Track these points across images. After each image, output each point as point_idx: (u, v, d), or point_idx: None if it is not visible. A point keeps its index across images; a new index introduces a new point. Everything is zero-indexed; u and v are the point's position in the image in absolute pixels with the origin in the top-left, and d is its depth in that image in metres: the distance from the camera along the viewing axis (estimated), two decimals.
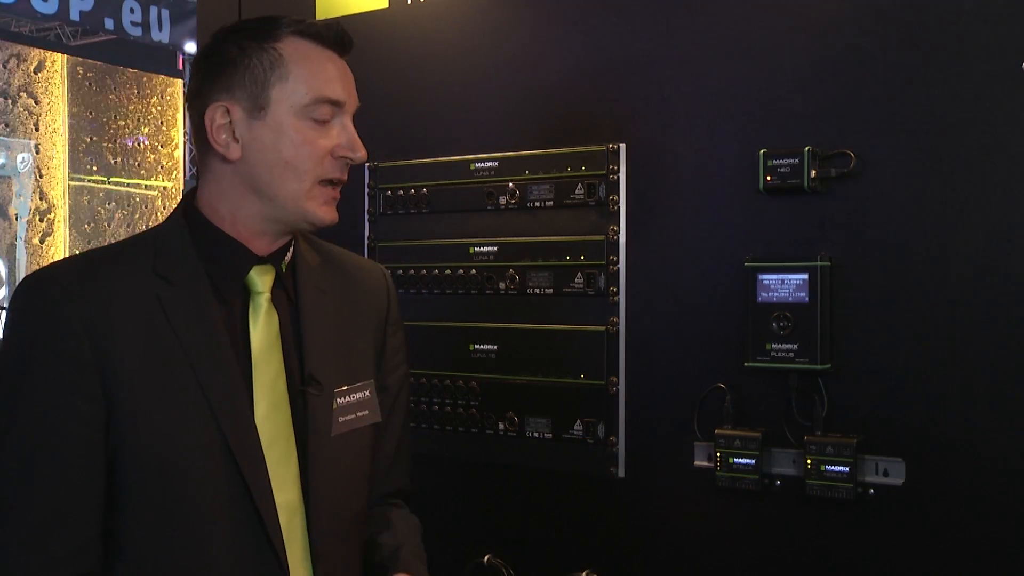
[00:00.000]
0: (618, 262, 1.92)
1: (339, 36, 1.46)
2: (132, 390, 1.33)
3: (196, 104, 1.44)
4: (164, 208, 12.10)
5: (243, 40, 1.42)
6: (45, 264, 1.48)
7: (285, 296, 1.48)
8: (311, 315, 1.48)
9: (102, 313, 1.34)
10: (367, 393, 1.52)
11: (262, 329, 1.43)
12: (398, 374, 1.63)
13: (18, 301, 1.37)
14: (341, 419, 1.47)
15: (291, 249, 1.50)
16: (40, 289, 1.36)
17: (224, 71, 1.41)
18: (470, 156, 2.09)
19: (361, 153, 1.44)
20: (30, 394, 1.32)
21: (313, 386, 1.44)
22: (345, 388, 1.49)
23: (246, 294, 1.45)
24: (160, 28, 11.11)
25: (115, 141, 11.67)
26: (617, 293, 1.92)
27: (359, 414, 1.50)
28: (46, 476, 1.31)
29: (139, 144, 11.97)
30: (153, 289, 1.38)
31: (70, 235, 10.95)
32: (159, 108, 12.23)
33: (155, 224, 1.41)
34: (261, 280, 1.45)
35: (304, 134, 1.41)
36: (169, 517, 1.34)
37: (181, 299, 1.39)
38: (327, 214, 1.44)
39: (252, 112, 1.40)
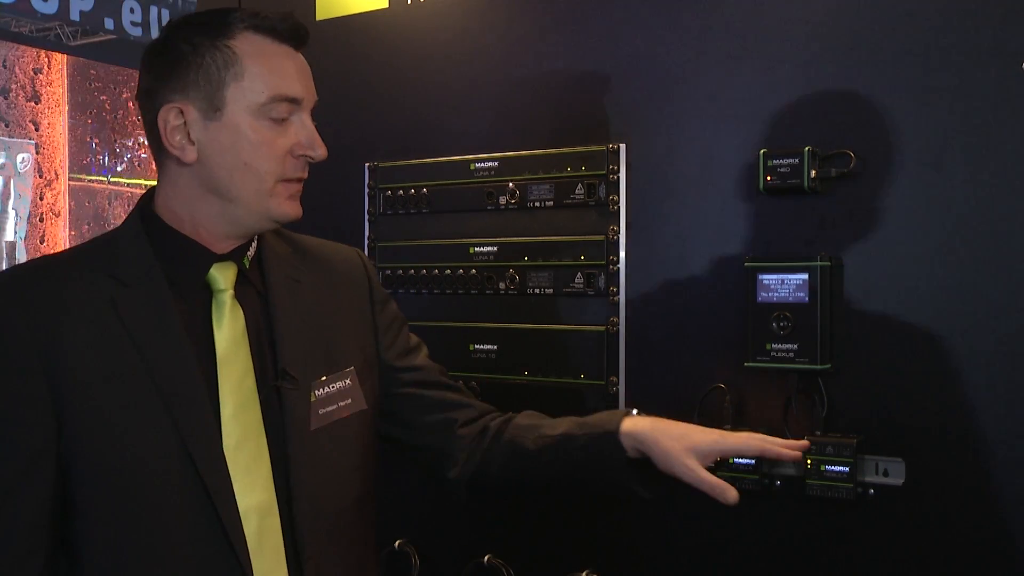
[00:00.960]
0: (618, 262, 1.92)
1: (294, 29, 1.41)
2: (84, 397, 1.30)
3: (147, 104, 1.39)
4: None
5: (195, 37, 1.37)
6: None
7: (253, 291, 1.45)
8: (283, 307, 1.45)
9: (50, 319, 1.31)
10: (348, 381, 1.48)
11: (226, 327, 1.39)
12: (399, 344, 1.62)
13: None
14: (321, 411, 1.44)
15: (253, 244, 1.47)
16: None
17: (176, 70, 1.36)
18: (470, 156, 2.09)
19: (321, 151, 1.41)
20: None
21: (287, 380, 1.41)
22: (324, 379, 1.46)
23: (208, 294, 1.41)
24: (160, 28, 11.11)
25: (115, 141, 11.67)
26: (617, 293, 1.92)
27: (341, 404, 1.47)
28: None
29: (139, 144, 11.97)
30: (107, 291, 1.34)
31: (70, 235, 10.95)
32: None
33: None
34: (223, 277, 1.41)
35: (262, 134, 1.37)
36: (128, 526, 1.30)
37: (136, 300, 1.35)
38: (291, 209, 1.42)
39: (207, 113, 1.36)
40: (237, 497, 1.33)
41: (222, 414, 1.35)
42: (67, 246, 11.06)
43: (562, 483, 1.59)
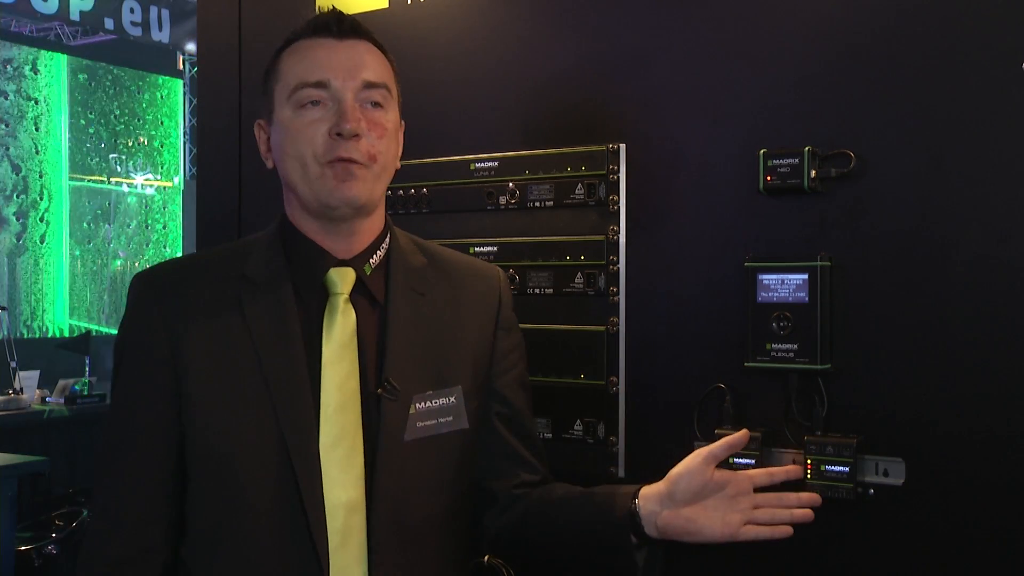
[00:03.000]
0: (618, 262, 1.92)
1: (328, 20, 1.48)
2: (200, 385, 1.42)
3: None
4: (164, 208, 12.09)
5: (273, 58, 1.52)
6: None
7: (371, 298, 1.50)
8: (397, 318, 1.49)
9: (182, 312, 1.44)
10: (453, 399, 1.51)
11: (336, 329, 1.45)
12: (511, 375, 1.63)
13: (127, 299, 1.52)
14: (419, 424, 1.46)
15: (379, 251, 1.52)
16: (136, 288, 1.49)
17: (261, 90, 1.53)
18: (470, 156, 2.09)
19: (348, 125, 1.42)
20: (120, 385, 1.48)
21: (388, 389, 1.44)
22: (429, 393, 1.48)
23: (326, 296, 1.47)
24: (160, 28, 11.12)
25: (115, 141, 11.67)
26: (617, 293, 1.92)
27: (441, 420, 1.49)
28: (125, 456, 1.44)
29: (139, 144, 11.96)
30: (236, 289, 1.46)
31: (70, 235, 10.95)
32: (159, 108, 12.22)
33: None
34: (341, 281, 1.47)
35: (296, 122, 1.45)
36: (222, 507, 1.40)
37: (260, 298, 1.45)
38: (338, 191, 1.44)
39: (271, 121, 1.49)
40: (326, 493, 1.39)
41: (321, 413, 1.42)
42: (67, 246, 11.06)
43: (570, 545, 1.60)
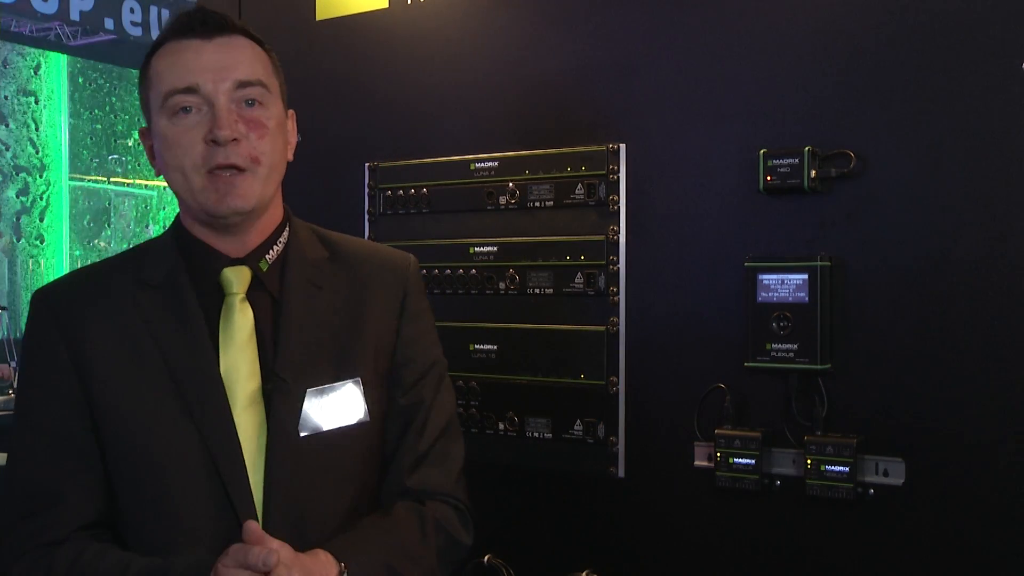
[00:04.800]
0: (618, 262, 1.92)
1: (193, 19, 1.42)
2: (107, 388, 1.39)
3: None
4: (164, 208, 12.10)
5: (144, 64, 1.46)
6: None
7: (268, 295, 1.46)
8: (291, 312, 1.45)
9: (81, 320, 1.42)
10: (351, 391, 1.47)
11: (234, 328, 1.42)
12: (412, 367, 1.54)
13: (27, 317, 1.48)
14: (314, 418, 1.43)
15: (275, 248, 1.48)
16: (33, 305, 1.47)
17: (140, 98, 1.48)
18: (470, 156, 2.09)
19: (222, 131, 1.37)
20: (27, 395, 1.44)
21: (278, 384, 1.41)
22: (323, 386, 1.44)
23: (223, 296, 1.44)
24: (160, 28, 11.10)
25: (115, 141, 11.67)
26: (617, 293, 1.92)
27: (339, 412, 1.45)
28: (40, 461, 1.40)
29: (139, 144, 11.96)
30: (132, 293, 1.43)
31: (70, 235, 10.94)
32: None
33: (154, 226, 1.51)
34: (236, 280, 1.44)
35: (169, 131, 1.40)
36: (153, 509, 1.38)
37: (159, 301, 1.43)
38: (223, 203, 1.39)
39: (152, 128, 1.45)
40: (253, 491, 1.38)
41: (232, 412, 1.40)
42: (67, 246, 11.06)
43: None
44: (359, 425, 1.47)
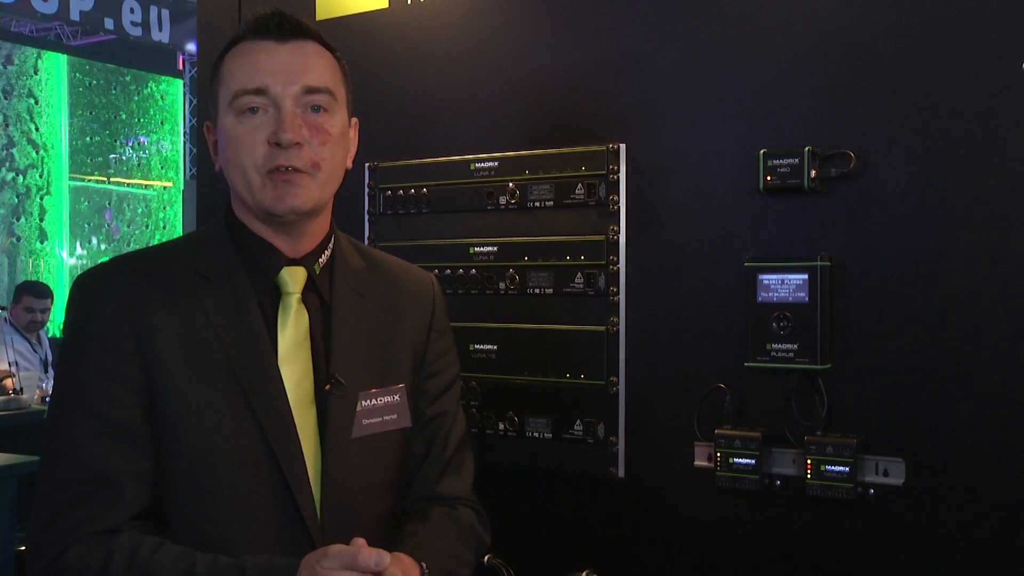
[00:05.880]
0: (618, 262, 1.92)
1: (269, 21, 1.44)
2: (171, 377, 1.38)
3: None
4: (164, 208, 12.10)
5: (217, 60, 1.48)
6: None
7: (319, 298, 1.49)
8: (342, 316, 1.49)
9: (142, 307, 1.40)
10: (397, 397, 1.51)
11: (290, 328, 1.45)
12: (439, 379, 1.61)
13: (71, 298, 1.45)
14: (365, 421, 1.46)
15: (327, 252, 1.51)
16: (86, 285, 1.44)
17: (208, 92, 1.50)
18: (470, 156, 2.09)
19: (286, 135, 1.39)
20: (82, 380, 1.39)
21: (335, 386, 1.44)
22: (373, 391, 1.48)
23: (279, 295, 1.46)
24: (160, 28, 11.11)
25: (115, 141, 11.66)
26: (617, 293, 1.92)
27: (386, 418, 1.49)
28: (98, 446, 1.37)
29: (139, 144, 11.96)
30: (193, 284, 1.43)
31: (70, 235, 10.95)
32: (159, 108, 12.22)
33: (188, 225, 1.51)
34: (292, 280, 1.47)
35: (235, 130, 1.42)
36: (209, 503, 1.38)
37: (218, 295, 1.43)
38: (281, 202, 1.41)
39: (217, 124, 1.46)
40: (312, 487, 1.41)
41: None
42: (67, 246, 11.05)
43: None
44: (403, 431, 1.52)
